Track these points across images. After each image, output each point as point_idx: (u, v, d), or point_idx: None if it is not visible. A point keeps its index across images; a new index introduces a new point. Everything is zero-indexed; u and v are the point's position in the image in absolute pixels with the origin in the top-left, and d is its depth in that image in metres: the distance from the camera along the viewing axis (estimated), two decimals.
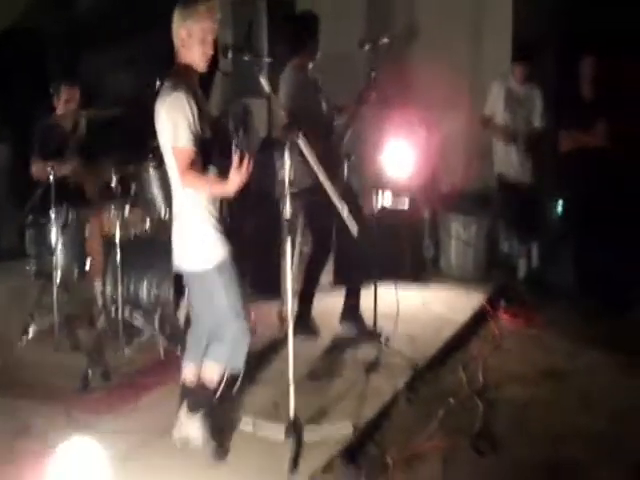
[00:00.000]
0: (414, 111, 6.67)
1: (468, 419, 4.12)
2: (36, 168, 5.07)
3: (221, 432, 3.69)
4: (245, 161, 3.26)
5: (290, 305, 3.68)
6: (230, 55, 3.44)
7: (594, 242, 5.96)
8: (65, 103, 5.22)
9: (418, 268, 6.53)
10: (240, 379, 3.96)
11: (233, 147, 3.41)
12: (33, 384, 4.32)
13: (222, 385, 3.73)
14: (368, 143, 6.32)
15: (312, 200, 4.57)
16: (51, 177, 4.54)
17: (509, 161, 6.38)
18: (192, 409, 3.56)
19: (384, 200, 6.42)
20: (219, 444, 3.58)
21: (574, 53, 6.18)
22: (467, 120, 6.79)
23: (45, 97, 5.37)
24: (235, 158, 3.26)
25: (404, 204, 6.48)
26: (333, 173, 4.71)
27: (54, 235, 4.63)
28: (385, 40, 4.69)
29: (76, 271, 4.87)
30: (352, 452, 3.63)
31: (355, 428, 3.77)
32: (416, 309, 5.79)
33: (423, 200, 6.67)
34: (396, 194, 6.46)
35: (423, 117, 6.73)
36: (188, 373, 3.65)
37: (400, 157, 6.31)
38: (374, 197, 6.24)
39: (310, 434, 3.65)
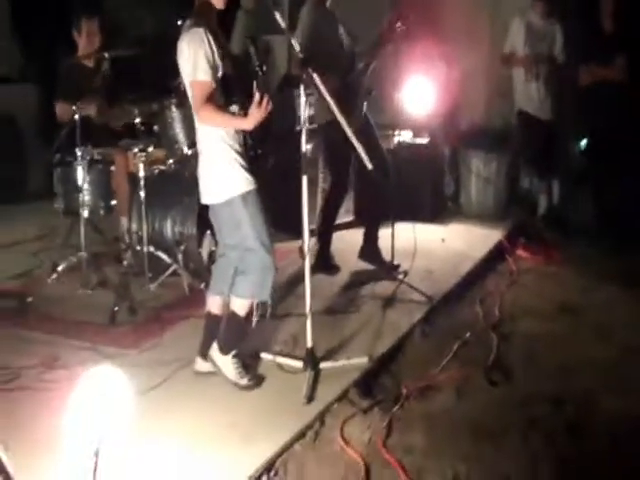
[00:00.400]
0: (435, 46, 6.65)
1: (482, 351, 4.23)
2: (60, 109, 5.13)
3: (249, 364, 3.84)
4: (265, 99, 3.35)
5: (306, 241, 3.77)
6: None
7: (614, 178, 5.97)
8: (87, 37, 5.24)
9: (438, 205, 6.58)
10: (269, 311, 4.13)
11: (254, 85, 3.48)
12: (61, 319, 4.47)
13: (251, 319, 3.89)
14: (389, 78, 6.32)
15: (330, 136, 4.62)
16: (76, 117, 4.62)
17: (529, 97, 6.35)
18: (224, 350, 3.69)
19: (404, 136, 6.47)
20: (251, 377, 3.71)
21: None
22: (487, 56, 6.75)
23: (68, 36, 5.42)
24: (256, 95, 3.35)
25: (424, 139, 6.49)
26: (352, 108, 4.80)
27: (80, 173, 4.74)
28: None
29: (102, 209, 4.97)
30: (367, 382, 3.76)
31: (370, 359, 3.89)
32: (435, 245, 5.87)
33: (443, 136, 6.68)
34: (416, 130, 6.48)
35: (444, 52, 6.70)
36: (212, 305, 3.78)
37: (420, 93, 6.33)
38: (394, 133, 6.32)
39: (327, 365, 3.80)
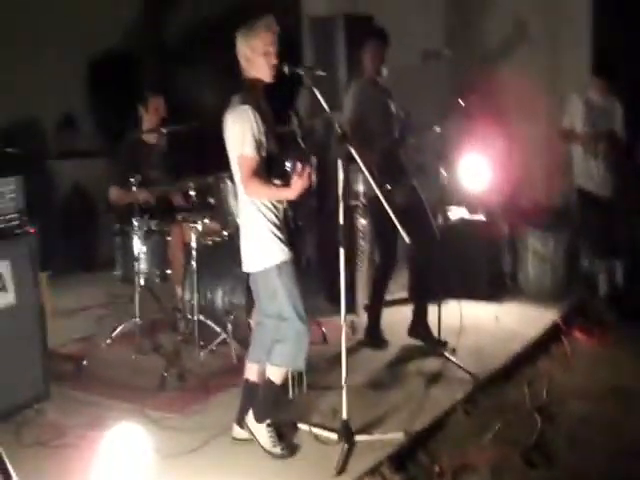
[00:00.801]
0: (494, 123, 6.74)
1: (525, 433, 4.16)
2: (114, 195, 5.40)
3: (285, 433, 3.91)
4: (306, 170, 3.51)
5: (343, 313, 3.84)
6: (286, 69, 3.66)
7: None
8: (153, 113, 5.54)
9: (495, 283, 6.55)
10: (305, 382, 4.19)
11: (290, 161, 3.65)
12: (113, 382, 4.65)
13: (287, 387, 3.97)
14: (447, 155, 6.43)
15: (376, 210, 4.72)
16: (134, 198, 4.90)
17: (589, 175, 6.31)
18: (259, 419, 3.78)
19: (459, 212, 6.52)
20: (284, 447, 3.77)
21: None
22: (546, 133, 6.79)
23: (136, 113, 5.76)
24: (297, 166, 3.52)
25: (480, 216, 6.52)
26: (398, 182, 4.91)
27: (137, 243, 4.96)
28: (446, 53, 4.79)
29: (158, 277, 5.16)
30: (400, 458, 3.75)
31: (406, 435, 3.88)
32: (488, 323, 5.83)
33: (502, 215, 6.70)
34: (471, 207, 6.52)
35: (503, 129, 6.78)
36: (250, 373, 3.89)
37: (477, 170, 6.42)
38: (449, 209, 6.38)
39: (362, 438, 3.81)
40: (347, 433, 3.76)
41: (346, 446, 3.71)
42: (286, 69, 3.68)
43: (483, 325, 5.76)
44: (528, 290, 6.58)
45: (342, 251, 3.79)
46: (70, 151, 8.18)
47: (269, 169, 3.66)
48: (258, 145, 3.58)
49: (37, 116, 7.75)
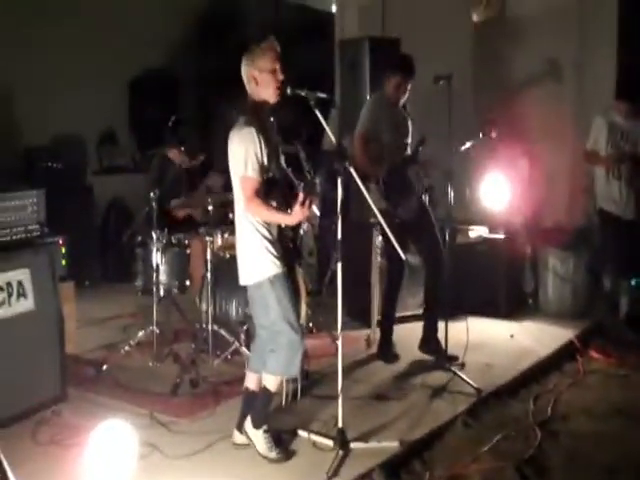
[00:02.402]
0: (518, 144, 6.81)
1: (522, 446, 4.22)
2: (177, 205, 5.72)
3: (284, 438, 4.07)
4: (308, 201, 3.68)
5: (339, 324, 3.97)
6: (289, 91, 3.82)
7: None
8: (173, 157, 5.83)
9: (515, 302, 6.60)
10: (299, 389, 4.34)
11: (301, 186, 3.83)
12: (128, 387, 4.86)
13: (283, 395, 4.12)
14: (469, 173, 6.54)
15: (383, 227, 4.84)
16: (153, 204, 5.11)
17: (611, 196, 6.31)
18: (256, 425, 3.93)
19: (480, 231, 6.60)
20: (280, 451, 3.91)
21: None
22: (571, 154, 6.83)
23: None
24: (300, 195, 3.68)
25: (502, 235, 6.58)
26: (404, 199, 5.05)
27: (155, 255, 5.18)
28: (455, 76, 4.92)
29: (176, 288, 5.37)
30: (393, 466, 3.85)
31: (401, 444, 3.99)
32: (503, 340, 5.90)
33: (524, 234, 6.75)
34: (492, 226, 6.59)
35: (527, 150, 6.84)
36: (250, 382, 4.06)
37: (498, 189, 6.50)
38: (469, 227, 6.48)
39: (357, 446, 3.94)
40: (342, 440, 3.89)
41: (341, 452, 3.84)
42: (289, 90, 3.84)
43: (498, 342, 5.83)
44: (548, 309, 6.61)
45: (339, 265, 3.92)
46: (110, 167, 8.54)
47: (270, 191, 3.81)
48: (261, 167, 3.74)
49: (79, 132, 8.10)
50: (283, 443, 4.00)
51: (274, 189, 3.84)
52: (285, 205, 3.84)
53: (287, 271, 3.83)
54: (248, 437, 3.94)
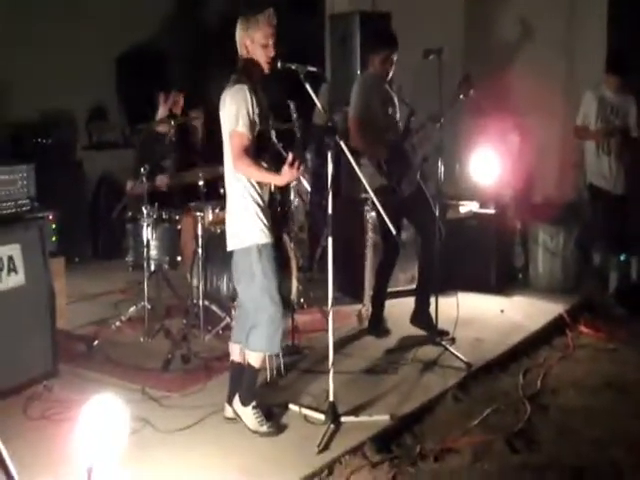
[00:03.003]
0: (508, 118, 6.80)
1: (512, 420, 4.25)
2: (128, 185, 5.67)
3: (274, 412, 4.10)
4: (297, 162, 3.66)
5: (330, 299, 3.97)
6: (279, 65, 3.80)
7: None
8: (172, 105, 5.75)
9: (505, 277, 6.62)
10: (283, 365, 4.42)
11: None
12: (120, 363, 4.86)
13: (267, 371, 4.17)
14: (459, 148, 6.54)
15: (381, 202, 4.84)
16: (144, 180, 5.09)
17: (601, 171, 6.32)
18: (244, 402, 3.95)
19: (470, 206, 6.61)
20: (271, 425, 3.94)
21: None
22: (561, 129, 6.84)
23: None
24: (289, 156, 3.66)
25: (492, 210, 6.59)
26: (403, 174, 5.05)
27: (146, 231, 5.16)
28: (446, 51, 4.89)
29: (167, 263, 5.35)
30: (384, 439, 3.88)
31: (392, 418, 4.02)
32: (493, 315, 5.92)
33: (514, 208, 6.76)
34: (483, 201, 6.59)
35: (517, 124, 6.83)
36: (234, 353, 4.07)
37: (489, 164, 6.50)
38: (459, 202, 6.48)
39: (348, 419, 3.96)
40: (333, 414, 3.91)
41: (332, 426, 3.86)
42: (279, 64, 3.82)
43: (488, 317, 5.85)
44: (538, 284, 6.64)
45: (330, 240, 3.93)
46: (100, 142, 8.48)
47: (259, 150, 3.79)
48: (252, 124, 3.72)
49: (68, 108, 8.03)
50: (274, 417, 4.02)
51: (264, 151, 3.83)
52: (275, 169, 3.81)
53: (275, 241, 3.82)
54: (237, 414, 3.95)
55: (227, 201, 3.93)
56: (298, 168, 3.70)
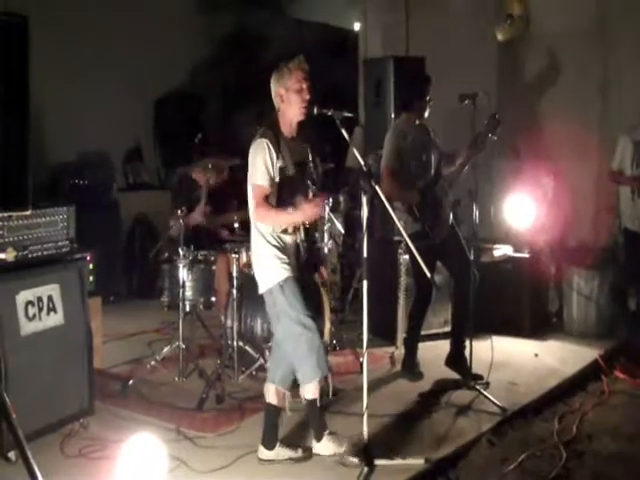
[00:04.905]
0: (543, 163, 6.82)
1: (548, 466, 4.20)
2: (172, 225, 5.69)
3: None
4: (318, 199, 3.82)
5: (365, 343, 3.99)
6: (315, 110, 3.88)
7: None
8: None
9: (539, 321, 6.57)
10: (331, 383, 4.68)
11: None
12: (155, 402, 4.91)
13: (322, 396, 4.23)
14: (494, 192, 6.56)
15: (415, 246, 4.86)
16: (180, 221, 5.18)
17: (636, 215, 6.30)
18: (318, 436, 4.07)
19: (504, 250, 6.60)
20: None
21: None
22: (596, 173, 6.84)
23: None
24: (310, 195, 3.80)
25: (525, 254, 6.57)
26: (436, 218, 5.08)
27: (182, 271, 5.23)
28: (482, 96, 4.94)
29: (202, 304, 5.41)
30: None
31: (427, 462, 3.99)
32: (527, 359, 5.88)
33: (549, 254, 6.74)
34: (517, 245, 6.59)
35: (551, 169, 6.85)
36: (268, 394, 4.10)
37: (523, 209, 6.51)
38: (493, 246, 6.48)
39: (382, 462, 3.95)
40: (367, 456, 3.90)
41: (366, 469, 3.85)
42: (315, 110, 3.91)
43: (523, 362, 5.81)
44: (572, 329, 6.58)
45: (365, 283, 3.95)
46: (135, 183, 8.64)
47: (291, 194, 3.91)
48: (270, 176, 3.84)
49: (106, 149, 8.20)
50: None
51: (296, 193, 3.93)
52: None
53: (307, 283, 3.90)
54: (320, 450, 4.08)
55: (251, 248, 4.08)
56: (318, 206, 3.82)
